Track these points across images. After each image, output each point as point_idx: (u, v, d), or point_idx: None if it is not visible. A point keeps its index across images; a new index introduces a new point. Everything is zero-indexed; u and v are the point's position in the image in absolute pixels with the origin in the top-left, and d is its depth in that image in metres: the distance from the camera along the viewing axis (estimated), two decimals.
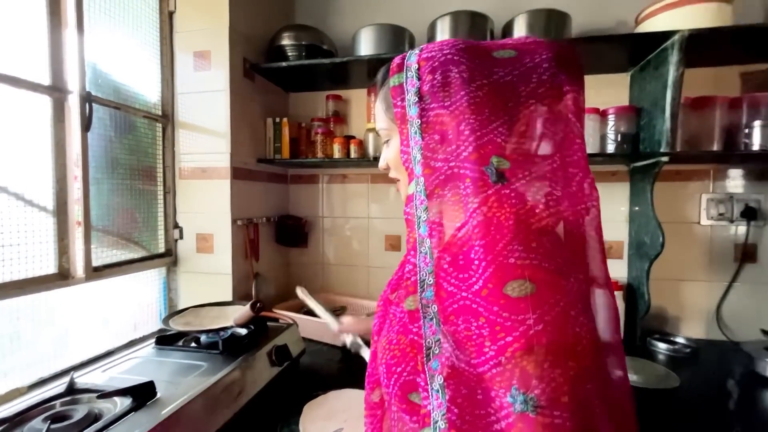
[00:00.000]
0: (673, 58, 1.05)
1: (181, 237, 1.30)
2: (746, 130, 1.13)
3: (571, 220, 0.42)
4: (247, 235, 1.34)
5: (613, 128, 1.25)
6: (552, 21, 1.21)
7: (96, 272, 1.01)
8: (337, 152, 1.41)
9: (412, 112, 0.43)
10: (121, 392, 0.66)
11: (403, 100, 0.44)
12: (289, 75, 1.44)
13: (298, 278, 1.66)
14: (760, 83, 1.23)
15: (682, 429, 0.81)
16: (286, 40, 1.35)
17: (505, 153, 0.40)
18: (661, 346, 1.21)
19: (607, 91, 1.34)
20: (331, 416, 0.79)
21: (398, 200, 1.53)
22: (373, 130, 1.43)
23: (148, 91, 1.24)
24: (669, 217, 1.31)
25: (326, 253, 1.63)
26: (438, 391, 0.38)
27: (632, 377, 1.01)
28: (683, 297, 1.34)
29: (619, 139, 1.24)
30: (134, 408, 0.63)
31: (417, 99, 0.43)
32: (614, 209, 1.37)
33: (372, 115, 1.43)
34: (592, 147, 1.25)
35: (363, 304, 1.46)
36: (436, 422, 0.37)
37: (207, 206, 1.28)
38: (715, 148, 1.17)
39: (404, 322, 0.45)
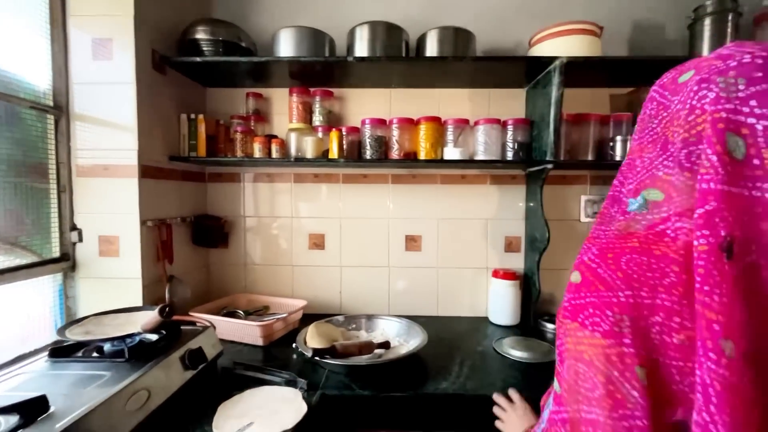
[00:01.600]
0: (555, 79, 1.23)
1: (80, 240, 1.19)
2: (611, 144, 1.36)
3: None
4: (158, 237, 1.27)
5: (511, 137, 1.42)
6: (459, 38, 1.33)
7: None
8: (257, 151, 1.39)
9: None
10: (6, 409, 0.61)
11: None
12: (205, 70, 1.39)
13: (218, 279, 1.61)
14: (624, 104, 1.49)
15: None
16: (201, 34, 1.30)
17: (658, 185, 0.40)
18: (549, 326, 1.41)
19: (508, 104, 1.51)
20: (244, 414, 0.81)
21: (322, 199, 1.57)
22: (295, 129, 1.45)
23: (36, 79, 1.11)
24: (556, 215, 1.53)
25: (249, 253, 1.61)
26: None
27: (522, 354, 1.17)
28: (565, 283, 1.56)
29: (516, 147, 1.41)
30: (22, 425, 0.60)
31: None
32: (514, 209, 1.55)
33: (293, 115, 1.45)
34: (494, 153, 1.40)
35: (286, 303, 1.47)
36: None
37: (111, 206, 1.19)
38: (590, 157, 1.39)
39: None
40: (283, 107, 1.52)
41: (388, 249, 1.58)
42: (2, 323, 1.02)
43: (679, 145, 0.38)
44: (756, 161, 0.34)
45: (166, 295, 1.27)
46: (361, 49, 1.32)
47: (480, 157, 1.41)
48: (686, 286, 0.36)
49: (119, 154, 1.18)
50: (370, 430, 0.96)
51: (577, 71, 1.28)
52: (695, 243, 0.35)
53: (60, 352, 0.86)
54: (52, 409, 0.64)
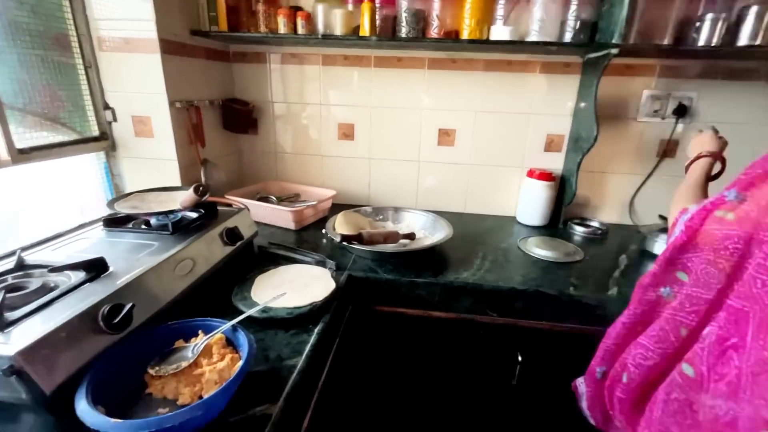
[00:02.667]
0: None
1: (114, 119, 1.21)
2: (697, 24, 1.12)
3: None
4: (189, 119, 1.26)
5: (574, 14, 1.20)
6: None
7: (22, 155, 0.95)
8: (282, 26, 1.27)
9: None
10: (73, 266, 0.70)
11: None
12: None
13: (250, 166, 1.65)
14: None
15: (576, 289, 0.99)
16: None
17: None
18: (578, 229, 1.39)
19: None
20: (279, 285, 0.89)
21: (351, 85, 1.47)
22: (322, 1, 1.28)
23: None
24: (610, 112, 1.37)
25: (279, 142, 1.60)
26: None
27: (546, 253, 1.18)
28: (606, 187, 1.49)
29: (578, 26, 1.20)
30: (89, 280, 0.68)
31: None
32: (562, 102, 1.40)
33: None
34: (551, 34, 1.21)
35: (316, 191, 1.50)
36: None
37: (138, 85, 1.17)
38: (666, 41, 1.17)
39: None
40: None
41: (419, 143, 1.52)
42: (62, 195, 1.12)
43: None
44: None
45: (202, 178, 1.32)
46: None
47: (533, 38, 1.22)
48: None
49: (137, 25, 1.11)
50: (392, 307, 1.06)
51: None
52: None
53: (113, 222, 0.94)
54: (111, 269, 0.72)
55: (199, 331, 0.67)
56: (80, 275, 0.69)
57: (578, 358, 0.81)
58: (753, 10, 1.08)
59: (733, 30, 1.11)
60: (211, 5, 1.25)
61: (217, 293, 0.88)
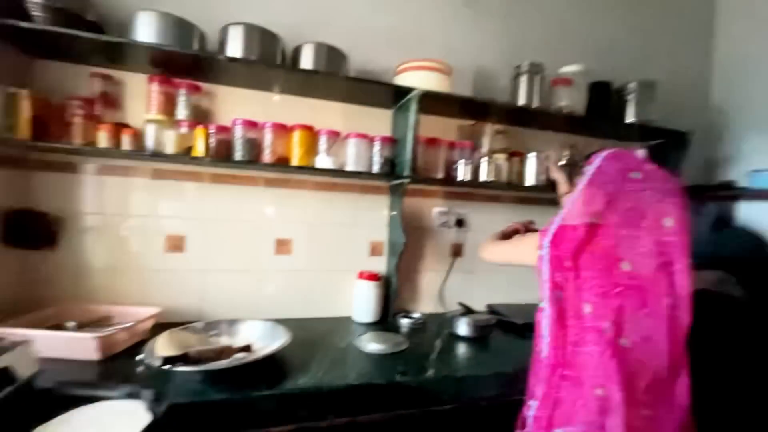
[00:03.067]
0: (413, 107, 1.43)
1: None
2: (455, 165, 1.63)
3: None
4: None
5: (378, 152, 1.57)
6: (333, 56, 1.42)
7: None
8: (103, 140, 1.23)
9: None
10: None
11: None
12: (34, 38, 1.17)
13: (42, 287, 1.34)
14: (468, 134, 1.79)
15: (404, 375, 1.12)
16: None
17: None
18: (404, 321, 1.60)
19: (377, 121, 1.67)
20: None
21: (184, 198, 1.46)
22: (154, 121, 1.33)
23: None
24: (415, 223, 1.75)
25: (86, 256, 1.39)
26: None
27: (377, 347, 1.31)
28: (421, 283, 1.80)
29: (382, 161, 1.57)
30: None
31: None
32: (379, 216, 1.72)
33: (152, 105, 1.32)
34: (363, 165, 1.54)
35: (134, 312, 1.31)
36: None
37: None
38: (440, 175, 1.64)
39: None
40: (140, 95, 1.37)
41: (257, 253, 1.57)
42: None
43: None
44: None
45: None
46: (235, 49, 1.30)
47: (350, 167, 1.52)
48: None
49: None
50: None
51: (431, 102, 1.50)
52: None
53: None
54: None
55: None
56: None
57: None
58: (485, 158, 1.65)
59: (476, 170, 1.66)
60: (9, 112, 1.14)
61: None
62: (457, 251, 1.84)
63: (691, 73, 2.22)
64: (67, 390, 0.91)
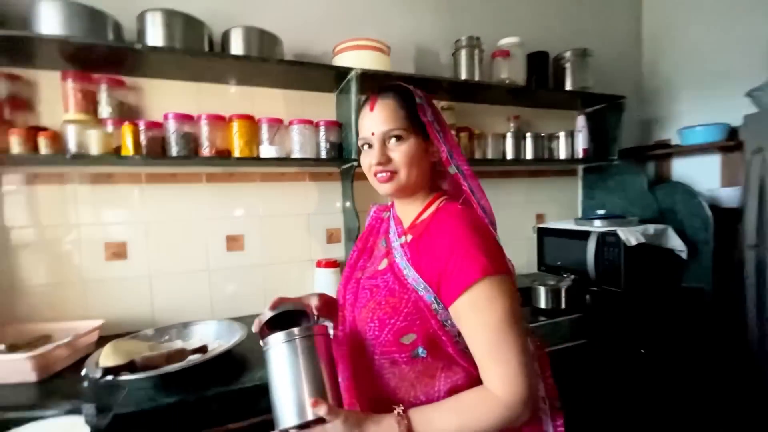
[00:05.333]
0: (353, 87, 1.41)
1: None
2: None
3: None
4: None
5: (324, 137, 1.54)
6: (265, 40, 1.37)
7: None
8: (16, 146, 1.13)
9: (437, 127, 0.73)
10: None
11: (426, 115, 0.71)
12: None
13: None
14: None
15: None
16: None
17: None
18: None
19: (321, 106, 1.63)
20: None
21: (120, 202, 1.38)
22: (74, 121, 1.23)
23: None
24: (365, 207, 1.73)
25: (16, 274, 1.28)
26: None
27: None
28: None
29: (328, 146, 1.54)
30: None
31: (433, 119, 0.72)
32: (332, 203, 1.69)
33: (70, 104, 1.23)
34: (309, 152, 1.50)
35: (75, 327, 1.23)
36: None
37: None
38: None
39: (391, 287, 0.68)
40: (55, 95, 1.26)
41: (207, 251, 1.51)
42: None
43: None
44: None
45: None
46: (155, 38, 1.22)
47: (296, 155, 1.48)
48: None
49: None
50: None
51: (372, 82, 1.48)
52: None
53: None
54: None
55: None
56: None
57: None
58: None
59: None
60: None
61: None
62: None
63: (623, 40, 2.31)
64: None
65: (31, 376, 1.01)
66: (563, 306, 1.46)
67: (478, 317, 0.61)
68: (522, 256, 2.08)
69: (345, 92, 1.52)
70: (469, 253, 0.62)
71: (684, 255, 1.74)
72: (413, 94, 0.73)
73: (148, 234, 1.42)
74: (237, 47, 1.33)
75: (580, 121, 1.95)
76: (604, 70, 2.07)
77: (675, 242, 1.74)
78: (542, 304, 1.47)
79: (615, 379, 1.51)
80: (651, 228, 1.70)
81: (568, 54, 1.88)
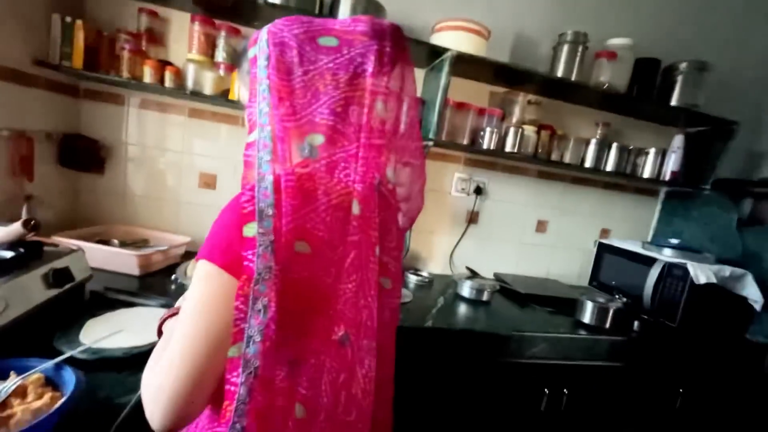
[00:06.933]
0: (446, 69, 1.42)
1: None
2: (482, 132, 1.63)
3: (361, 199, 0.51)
4: (15, 149, 1.14)
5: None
6: (370, 7, 1.41)
7: None
8: (148, 76, 1.31)
9: (262, 74, 0.49)
10: None
11: (256, 66, 0.50)
12: None
13: (90, 207, 1.50)
14: (498, 102, 1.77)
15: (404, 323, 1.22)
16: None
17: (319, 130, 0.50)
18: (412, 278, 1.69)
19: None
20: (113, 328, 0.85)
21: (218, 138, 1.55)
22: (195, 61, 1.38)
23: None
24: (433, 187, 1.78)
25: (129, 183, 1.52)
26: (260, 311, 0.46)
27: None
28: (432, 245, 1.87)
29: None
30: None
31: (266, 63, 0.49)
32: None
33: (194, 45, 1.38)
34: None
35: (168, 237, 1.46)
36: (251, 337, 0.45)
37: None
38: (465, 141, 1.65)
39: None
40: (182, 34, 1.42)
41: None
42: None
43: (336, 98, 0.50)
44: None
45: (23, 215, 1.16)
46: None
47: None
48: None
49: None
50: None
51: (465, 65, 1.48)
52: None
53: None
54: None
55: (11, 372, 0.61)
56: None
57: None
58: (514, 128, 1.63)
59: (503, 140, 1.65)
60: (65, 41, 1.22)
61: (37, 337, 0.79)
62: (473, 218, 1.88)
63: (754, 59, 2.04)
64: (112, 294, 1.05)
65: (135, 270, 1.23)
66: (607, 326, 1.44)
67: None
68: (574, 266, 2.03)
69: (436, 71, 1.53)
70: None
71: (758, 306, 1.61)
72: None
73: (237, 171, 1.59)
74: (344, 10, 1.39)
75: (677, 140, 1.80)
76: (720, 88, 1.87)
77: (751, 291, 1.61)
78: (586, 319, 1.46)
79: (644, 408, 1.49)
80: (727, 270, 1.58)
81: (683, 65, 1.72)
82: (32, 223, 0.79)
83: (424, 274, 1.77)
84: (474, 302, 1.54)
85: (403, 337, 1.20)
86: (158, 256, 1.29)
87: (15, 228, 0.79)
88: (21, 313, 0.79)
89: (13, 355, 0.67)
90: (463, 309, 1.47)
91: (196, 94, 1.35)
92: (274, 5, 1.28)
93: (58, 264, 0.92)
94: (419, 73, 1.68)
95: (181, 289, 1.17)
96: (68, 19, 1.21)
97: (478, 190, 1.84)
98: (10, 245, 0.86)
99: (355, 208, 0.51)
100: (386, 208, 0.55)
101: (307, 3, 1.35)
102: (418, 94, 1.67)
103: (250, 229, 0.47)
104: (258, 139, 0.49)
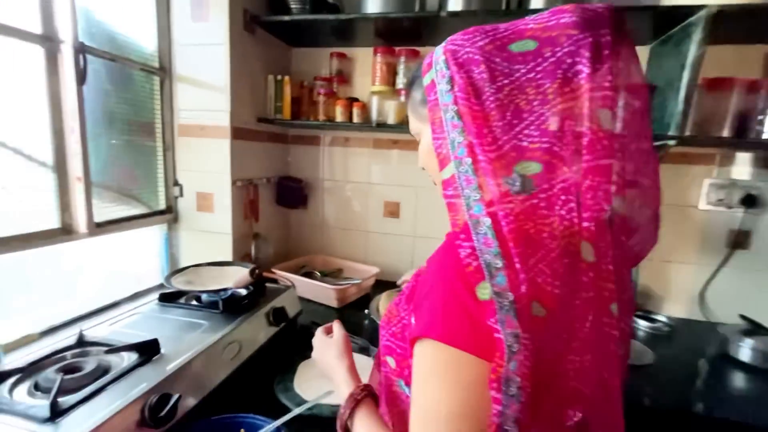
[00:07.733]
0: (697, 35, 1.00)
1: (181, 195, 1.31)
2: (760, 117, 1.10)
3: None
4: (247, 196, 1.34)
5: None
6: None
7: (99, 228, 1.03)
8: (339, 115, 1.37)
9: (447, 99, 0.41)
10: (128, 348, 0.71)
11: (436, 93, 0.43)
12: (292, 29, 1.37)
13: (297, 239, 1.69)
14: None
15: (654, 403, 0.87)
16: None
17: (532, 156, 0.38)
18: (642, 323, 1.27)
19: None
20: (321, 376, 0.84)
21: (400, 167, 1.53)
22: (377, 92, 1.39)
23: (144, 41, 1.18)
24: (668, 199, 1.31)
25: (326, 216, 1.65)
26: (513, 396, 0.35)
27: None
28: (669, 277, 1.38)
29: None
30: (140, 363, 0.68)
31: (449, 87, 0.41)
32: None
33: (376, 77, 1.38)
34: None
35: (359, 267, 1.50)
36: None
37: (207, 165, 1.27)
38: (726, 133, 1.14)
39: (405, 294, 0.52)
40: (366, 68, 1.46)
41: None
42: (125, 263, 1.18)
43: (545, 114, 0.38)
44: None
45: (252, 251, 1.36)
46: (455, 3, 1.19)
47: None
48: None
49: (213, 115, 1.24)
50: None
51: (727, 24, 1.02)
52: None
53: (167, 297, 0.96)
54: (162, 351, 0.72)
55: (241, 430, 0.63)
56: (133, 357, 0.69)
57: None
58: None
59: None
60: (278, 96, 1.39)
61: (258, 378, 0.84)
62: (738, 241, 1.30)
63: None
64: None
65: (333, 303, 1.28)
66: None
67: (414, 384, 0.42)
68: None
69: (673, 43, 1.12)
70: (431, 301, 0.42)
71: None
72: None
73: (418, 197, 1.53)
74: (537, 1, 1.15)
75: None
76: None
77: None
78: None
79: None
80: None
81: None
82: (256, 271, 0.86)
83: (662, 318, 1.31)
84: (763, 373, 1.02)
85: (647, 419, 0.85)
86: (353, 289, 1.31)
87: (244, 275, 0.88)
88: (251, 353, 0.85)
89: (240, 399, 0.71)
90: (747, 384, 0.98)
91: (381, 125, 1.35)
92: (455, 14, 1.15)
93: (277, 303, 0.99)
94: (640, 52, 1.27)
95: (372, 325, 1.14)
96: (279, 77, 1.38)
97: (749, 200, 1.26)
98: (243, 286, 0.96)
99: (587, 253, 0.37)
100: (617, 248, 0.38)
101: (491, 2, 1.18)
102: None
103: (484, 291, 0.37)
104: (457, 175, 0.40)
